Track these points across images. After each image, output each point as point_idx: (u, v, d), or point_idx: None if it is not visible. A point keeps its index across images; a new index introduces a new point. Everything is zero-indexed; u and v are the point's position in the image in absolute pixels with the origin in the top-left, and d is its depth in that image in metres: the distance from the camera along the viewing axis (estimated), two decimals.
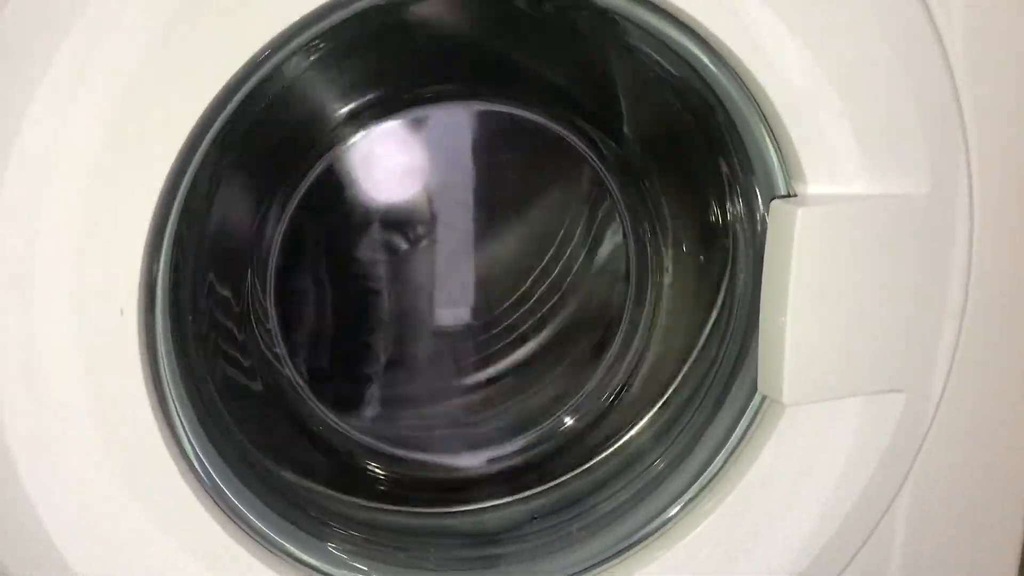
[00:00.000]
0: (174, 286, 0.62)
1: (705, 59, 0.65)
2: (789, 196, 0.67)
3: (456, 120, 0.83)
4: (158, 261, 0.59)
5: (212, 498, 0.62)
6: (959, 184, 0.67)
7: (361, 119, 0.79)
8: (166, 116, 0.55)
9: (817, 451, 0.70)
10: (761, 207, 0.70)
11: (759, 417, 0.71)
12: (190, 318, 0.67)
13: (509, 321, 0.90)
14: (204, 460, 0.63)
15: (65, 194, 0.54)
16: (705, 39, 0.63)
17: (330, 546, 0.69)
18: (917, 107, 0.65)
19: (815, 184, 0.66)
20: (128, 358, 0.57)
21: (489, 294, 0.89)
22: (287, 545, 0.66)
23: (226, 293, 0.75)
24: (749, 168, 0.70)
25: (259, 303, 0.79)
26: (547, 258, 0.90)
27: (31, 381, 0.56)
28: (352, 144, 0.79)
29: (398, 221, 0.85)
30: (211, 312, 0.73)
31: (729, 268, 0.77)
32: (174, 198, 0.59)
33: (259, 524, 0.65)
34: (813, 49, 0.63)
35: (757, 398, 0.71)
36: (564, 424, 0.86)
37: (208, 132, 0.58)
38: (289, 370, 0.80)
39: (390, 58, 0.78)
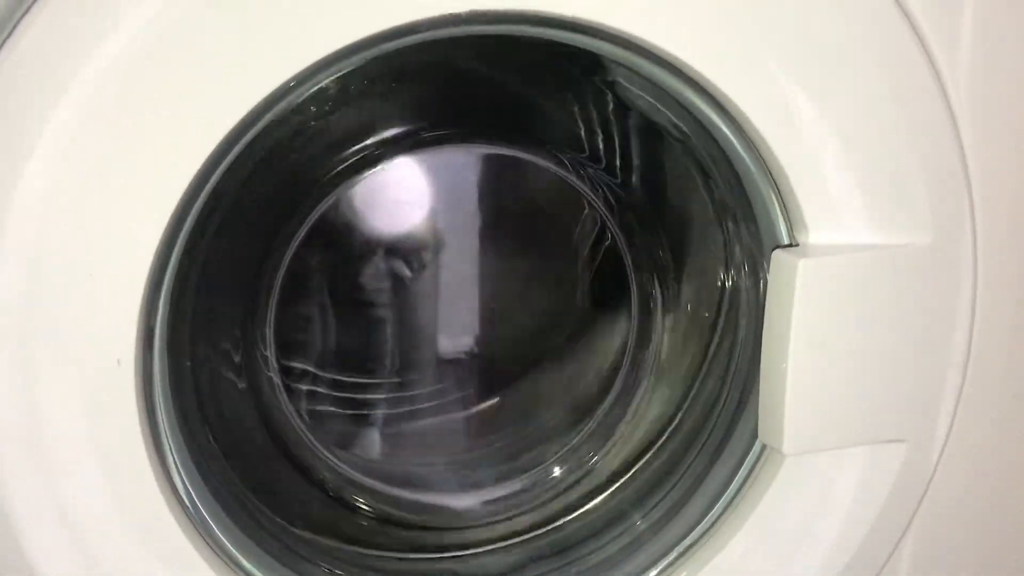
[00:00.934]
0: (172, 332, 0.62)
1: (707, 109, 0.65)
2: (791, 246, 0.67)
3: (460, 163, 0.83)
4: (156, 309, 0.59)
5: (204, 538, 0.62)
6: (963, 234, 0.67)
7: (366, 161, 0.79)
8: (167, 164, 0.55)
9: (818, 502, 0.70)
10: (764, 255, 0.70)
11: (759, 467, 0.71)
12: (188, 364, 0.67)
13: (509, 363, 0.90)
14: (197, 501, 0.63)
15: (63, 242, 0.54)
16: (707, 90, 0.63)
17: None
18: (920, 157, 0.65)
19: (817, 234, 0.65)
20: (125, 407, 0.57)
21: (489, 336, 0.89)
22: None
23: (226, 345, 0.75)
24: (751, 217, 0.70)
25: (260, 348, 0.79)
26: (549, 300, 0.90)
27: (30, 432, 0.56)
28: (356, 185, 0.79)
29: (399, 262, 0.85)
30: (210, 359, 0.73)
31: (730, 314, 0.77)
32: (173, 245, 0.58)
33: (247, 564, 0.65)
34: (817, 100, 0.63)
35: (757, 447, 0.71)
36: (559, 469, 0.86)
37: (209, 180, 0.58)
38: (289, 412, 0.80)
39: (394, 101, 0.78)
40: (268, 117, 0.58)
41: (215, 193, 0.60)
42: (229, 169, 0.59)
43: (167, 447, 0.61)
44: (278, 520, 0.73)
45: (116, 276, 0.56)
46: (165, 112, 0.54)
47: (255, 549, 0.66)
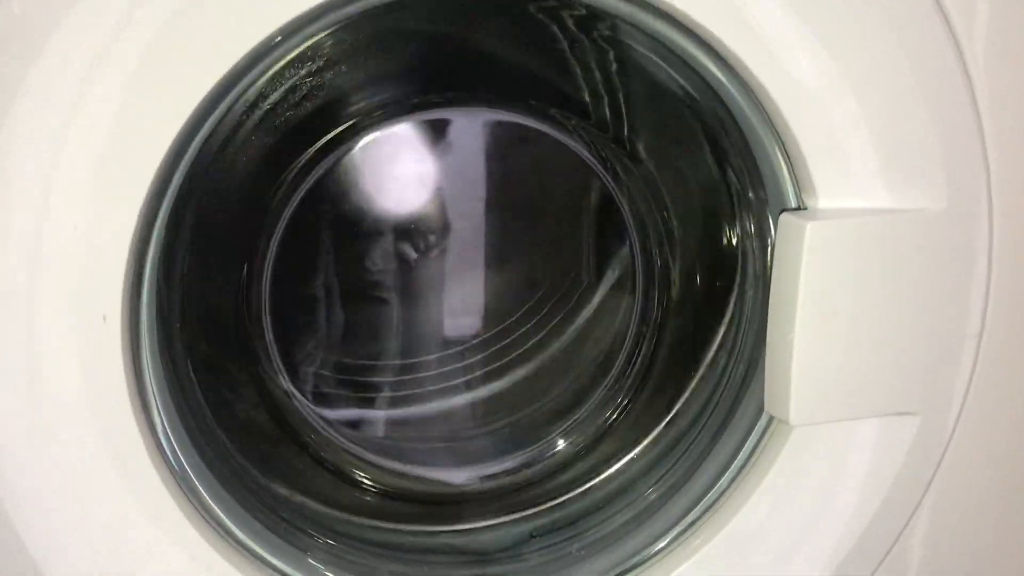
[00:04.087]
0: (161, 292, 0.61)
1: (713, 67, 0.63)
2: (799, 209, 0.65)
3: (462, 129, 0.81)
4: (144, 268, 0.58)
5: (194, 505, 0.62)
6: (978, 199, 0.65)
7: (367, 122, 0.78)
8: (158, 114, 0.54)
9: (826, 474, 0.68)
10: (771, 221, 0.68)
11: (765, 438, 0.69)
12: (178, 325, 0.66)
13: (513, 335, 0.88)
14: (186, 466, 0.62)
15: (47, 194, 0.54)
16: (712, 46, 0.61)
17: (310, 558, 0.68)
18: (935, 118, 0.63)
19: (827, 197, 0.64)
20: (111, 366, 0.57)
21: (493, 307, 0.88)
22: (264, 554, 0.65)
23: (218, 301, 0.74)
24: (759, 181, 0.68)
25: (253, 309, 0.77)
26: (553, 271, 0.89)
27: (27, 385, 0.55)
28: (353, 149, 0.77)
29: (399, 230, 0.83)
30: (201, 320, 0.72)
31: (737, 283, 0.75)
32: (161, 201, 0.58)
33: (237, 531, 0.64)
34: (828, 57, 0.61)
35: (764, 419, 0.69)
36: (562, 443, 0.84)
37: (197, 135, 0.57)
38: (283, 378, 0.79)
39: (395, 62, 0.76)
40: (256, 72, 0.56)
41: (205, 152, 0.58)
42: (218, 127, 0.58)
43: (155, 410, 0.60)
44: (274, 488, 0.72)
45: (101, 230, 0.55)
46: (150, 63, 0.53)
47: (249, 520, 0.65)
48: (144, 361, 0.59)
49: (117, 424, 0.57)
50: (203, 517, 0.62)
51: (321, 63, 0.68)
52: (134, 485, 0.58)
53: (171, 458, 0.61)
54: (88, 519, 0.58)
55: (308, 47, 0.63)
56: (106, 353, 0.56)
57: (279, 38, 0.55)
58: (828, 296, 0.64)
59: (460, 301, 0.87)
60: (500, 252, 0.86)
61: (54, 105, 0.52)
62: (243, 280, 0.76)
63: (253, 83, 0.59)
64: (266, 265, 0.77)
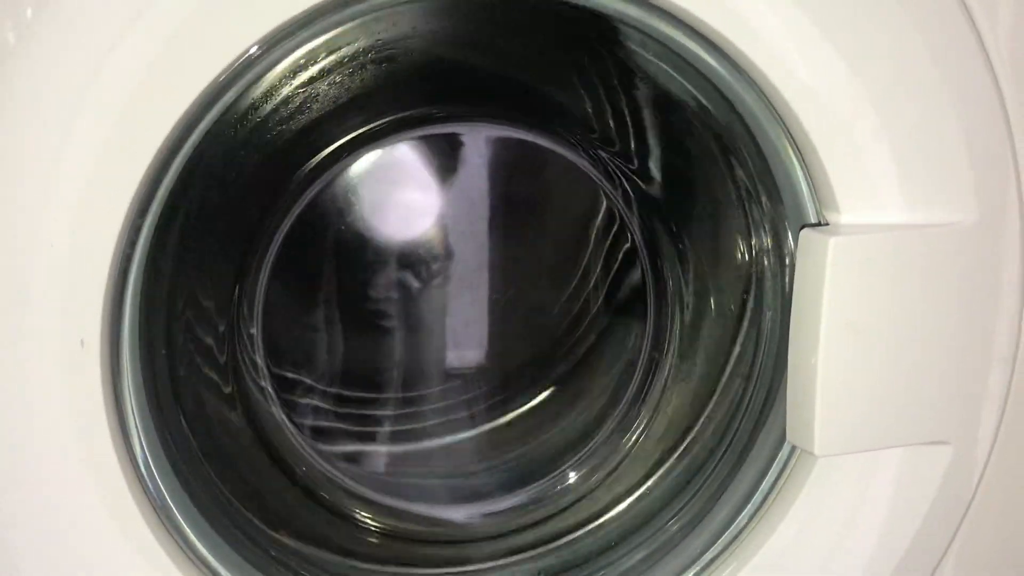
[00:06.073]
0: (144, 317, 0.58)
1: (728, 75, 0.62)
2: (820, 225, 0.63)
3: (464, 146, 0.79)
4: (125, 290, 0.56)
5: (174, 539, 0.59)
6: (1009, 213, 0.63)
7: (368, 138, 0.75)
8: (139, 128, 0.52)
9: (852, 508, 0.65)
10: (790, 238, 0.66)
11: (788, 470, 0.67)
12: (163, 352, 0.63)
13: (521, 363, 0.86)
14: (169, 501, 0.59)
15: (24, 209, 0.52)
16: (727, 53, 0.59)
17: None
18: (962, 129, 0.61)
19: (849, 212, 0.61)
20: (90, 393, 0.54)
21: (499, 335, 0.85)
22: None
23: (206, 334, 0.71)
24: (777, 196, 0.67)
25: (245, 334, 0.75)
26: (562, 294, 0.86)
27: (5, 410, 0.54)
28: (351, 167, 0.75)
29: (399, 254, 0.82)
30: (189, 348, 0.69)
31: (754, 304, 0.72)
32: (144, 219, 0.56)
33: (222, 570, 0.62)
34: (850, 66, 0.59)
35: (786, 449, 0.67)
36: (573, 476, 0.81)
37: (182, 147, 0.54)
38: (276, 408, 0.76)
39: (394, 75, 0.74)
40: (242, 84, 0.54)
41: (190, 166, 0.56)
42: (206, 139, 0.56)
43: (136, 438, 0.59)
44: (262, 527, 0.68)
45: (81, 248, 0.53)
46: (132, 75, 0.51)
47: (234, 556, 0.63)
48: (125, 388, 0.58)
49: (97, 455, 0.55)
50: (186, 555, 0.59)
51: (315, 73, 0.65)
52: (113, 513, 0.56)
53: (152, 490, 0.58)
54: (66, 549, 0.55)
55: (302, 55, 0.61)
56: (85, 379, 0.54)
57: (260, 50, 0.53)
58: (852, 316, 0.62)
59: (463, 328, 0.84)
60: (504, 276, 0.84)
61: (33, 122, 0.51)
62: (234, 302, 0.73)
63: (242, 94, 0.56)
64: (258, 288, 0.74)
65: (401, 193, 0.79)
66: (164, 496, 0.58)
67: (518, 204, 0.83)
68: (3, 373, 0.53)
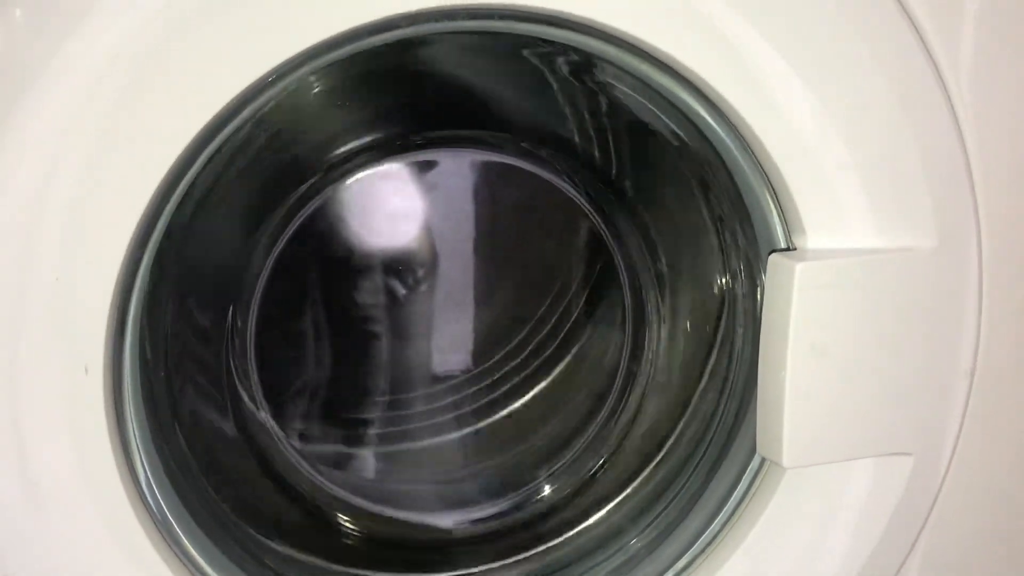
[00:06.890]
0: (145, 341, 0.60)
1: (701, 109, 0.63)
2: (788, 250, 0.65)
3: (450, 170, 0.81)
4: (127, 316, 0.57)
5: (176, 555, 0.61)
6: (968, 238, 0.65)
7: (356, 162, 0.77)
8: (139, 160, 0.53)
9: (820, 517, 0.68)
10: (762, 261, 0.68)
11: (758, 481, 0.69)
12: (163, 374, 0.65)
13: (501, 373, 0.88)
14: (169, 516, 0.61)
15: (29, 241, 0.53)
16: (700, 88, 0.61)
17: None
18: (922, 158, 0.63)
19: (816, 237, 0.64)
20: (94, 418, 0.56)
21: (481, 346, 0.87)
22: None
23: (203, 346, 0.73)
24: (748, 221, 0.68)
25: (238, 350, 0.76)
26: (542, 310, 0.88)
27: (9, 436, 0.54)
28: (344, 187, 0.77)
29: (387, 273, 0.83)
30: (186, 366, 0.71)
31: (727, 323, 0.74)
32: (144, 247, 0.57)
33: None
34: (816, 100, 0.61)
35: (756, 460, 0.69)
36: (550, 485, 0.83)
37: (183, 179, 0.56)
38: (269, 420, 0.78)
39: (388, 102, 0.76)
40: (245, 114, 0.56)
41: (190, 195, 0.58)
42: (204, 169, 0.58)
43: (138, 459, 0.59)
44: (256, 536, 0.70)
45: (84, 280, 0.54)
46: (137, 106, 0.52)
47: (230, 566, 0.64)
48: (127, 411, 0.59)
49: (100, 477, 0.56)
50: (187, 568, 0.61)
51: (306, 105, 0.67)
52: (116, 535, 0.57)
53: (153, 508, 0.60)
54: (69, 566, 0.57)
55: (294, 90, 0.63)
56: (89, 405, 0.55)
57: (270, 78, 0.55)
58: (819, 336, 0.64)
59: (447, 343, 0.86)
60: (488, 293, 0.86)
61: (33, 150, 0.52)
62: (229, 325, 0.75)
63: (239, 129, 0.58)
64: (251, 310, 0.76)
65: (389, 215, 0.80)
66: (164, 511, 0.60)
67: (502, 223, 0.85)
68: (10, 401, 0.54)
